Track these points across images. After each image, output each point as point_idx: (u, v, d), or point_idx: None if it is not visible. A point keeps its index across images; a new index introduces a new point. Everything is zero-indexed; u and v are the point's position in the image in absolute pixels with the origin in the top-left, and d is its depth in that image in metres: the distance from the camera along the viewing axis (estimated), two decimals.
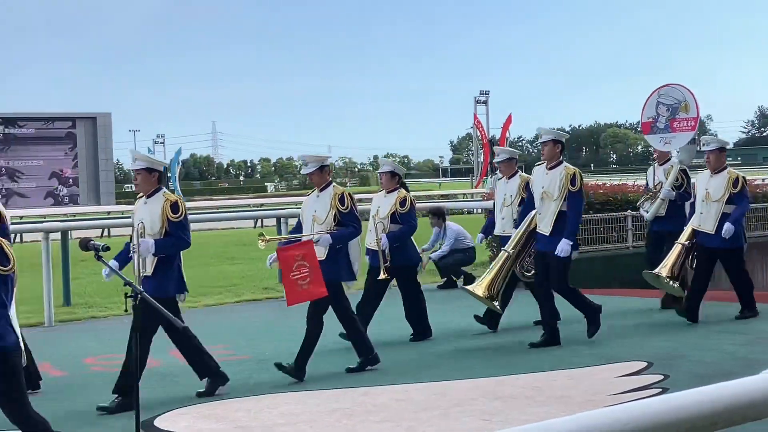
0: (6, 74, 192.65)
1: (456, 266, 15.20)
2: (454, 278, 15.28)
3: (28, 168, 63.84)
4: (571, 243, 9.75)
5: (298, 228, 9.32)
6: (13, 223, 11.64)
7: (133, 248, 8.02)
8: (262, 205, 47.29)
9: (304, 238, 8.89)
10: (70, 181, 64.53)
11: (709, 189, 10.90)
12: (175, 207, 8.05)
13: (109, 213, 43.49)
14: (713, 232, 10.78)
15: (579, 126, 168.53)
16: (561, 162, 10.00)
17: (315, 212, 8.93)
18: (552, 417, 2.89)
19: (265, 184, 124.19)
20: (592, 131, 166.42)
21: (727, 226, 10.59)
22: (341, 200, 8.84)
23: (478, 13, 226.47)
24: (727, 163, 11.37)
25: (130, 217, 9.52)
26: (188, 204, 9.82)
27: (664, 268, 11.27)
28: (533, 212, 10.28)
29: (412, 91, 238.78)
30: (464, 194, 49.20)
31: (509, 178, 11.24)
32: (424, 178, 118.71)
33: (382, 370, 9.13)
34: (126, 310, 6.28)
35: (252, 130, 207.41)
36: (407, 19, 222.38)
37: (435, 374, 8.98)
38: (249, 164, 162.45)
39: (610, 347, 9.93)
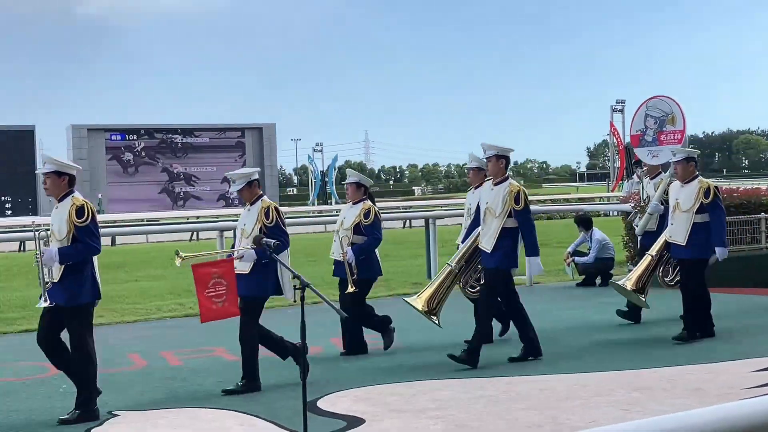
0: (183, 89, 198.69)
1: (597, 272, 15.08)
2: (593, 278, 15.15)
3: (202, 173, 65.95)
4: (538, 257, 9.03)
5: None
6: (190, 222, 12.11)
7: (36, 257, 7.22)
8: (410, 207, 47.60)
9: (221, 256, 8.42)
10: None
11: (679, 199, 9.82)
12: (80, 211, 7.20)
13: None
14: (684, 244, 9.74)
15: (712, 133, 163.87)
16: (506, 178, 9.13)
17: (244, 226, 8.33)
18: (688, 409, 2.83)
19: (413, 188, 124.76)
20: (725, 138, 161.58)
21: (721, 251, 9.67)
22: (266, 214, 8.16)
23: (616, 27, 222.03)
24: (697, 172, 9.96)
25: (291, 217, 9.59)
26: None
27: (629, 281, 10.39)
28: (479, 228, 9.36)
29: (551, 101, 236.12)
30: (600, 198, 48.41)
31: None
32: (562, 182, 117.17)
33: (524, 362, 9.11)
34: (294, 301, 6.33)
35: (401, 138, 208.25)
36: (551, 38, 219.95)
37: (575, 366, 8.86)
38: (398, 170, 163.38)
39: (746, 344, 9.58)
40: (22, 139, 64.84)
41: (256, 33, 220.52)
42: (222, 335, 9.74)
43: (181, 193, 65.28)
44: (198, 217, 36.50)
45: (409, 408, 7.48)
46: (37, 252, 7.18)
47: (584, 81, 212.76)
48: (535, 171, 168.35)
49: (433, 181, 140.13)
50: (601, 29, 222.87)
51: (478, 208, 9.51)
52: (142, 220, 37.98)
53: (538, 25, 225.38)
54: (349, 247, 9.56)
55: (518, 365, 8.99)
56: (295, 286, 6.00)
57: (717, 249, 9.70)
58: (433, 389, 8.06)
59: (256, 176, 8.53)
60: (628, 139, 55.79)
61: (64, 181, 7.39)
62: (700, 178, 9.90)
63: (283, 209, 8.64)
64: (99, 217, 8.00)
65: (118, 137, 65.97)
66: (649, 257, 10.43)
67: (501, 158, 9.11)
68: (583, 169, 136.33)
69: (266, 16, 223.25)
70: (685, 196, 9.78)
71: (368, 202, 9.79)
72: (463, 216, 11.19)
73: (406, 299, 9.86)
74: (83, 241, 7.19)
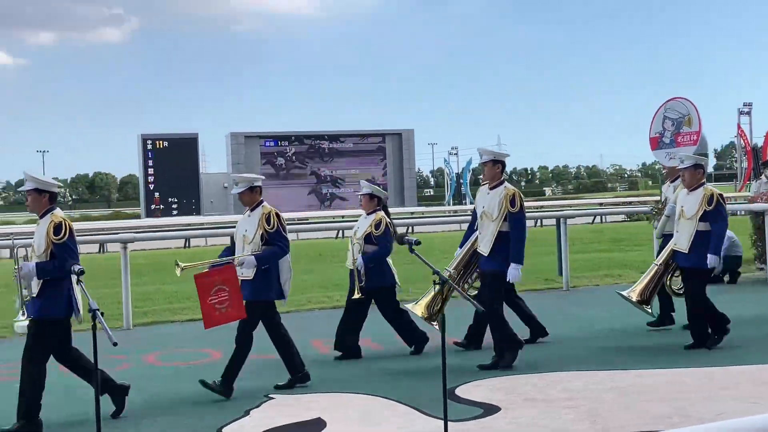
0: (329, 97, 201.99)
1: (725, 270, 14.57)
2: (720, 275, 14.65)
3: (347, 176, 66.86)
4: (520, 266, 8.54)
5: (233, 246, 8.41)
6: (334, 222, 12.29)
7: (14, 272, 7.01)
8: (541, 207, 47.10)
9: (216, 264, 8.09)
10: (381, 186, 67.03)
11: (684, 206, 9.26)
12: (57, 229, 6.93)
13: (412, 213, 44.94)
14: (686, 251, 9.18)
15: None
16: (502, 182, 8.69)
17: (246, 231, 8.07)
18: None
19: (543, 188, 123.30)
20: None
21: (711, 259, 9.00)
22: (267, 220, 7.94)
23: (741, 28, 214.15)
24: (704, 180, 9.36)
25: (428, 217, 9.58)
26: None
27: (633, 292, 9.75)
28: (477, 232, 9.04)
29: None
30: (728, 197, 46.72)
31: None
32: None
33: (652, 353, 8.93)
34: (440, 293, 6.28)
35: (531, 140, 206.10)
36: (678, 43, 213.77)
37: (701, 360, 8.63)
38: (529, 171, 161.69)
39: None
40: (187, 146, 66.80)
41: (393, 42, 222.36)
42: (370, 327, 9.83)
43: (328, 195, 66.41)
44: (343, 217, 37.25)
45: (542, 398, 7.44)
46: (16, 266, 7.02)
47: (710, 83, 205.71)
48: (663, 173, 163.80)
49: (563, 181, 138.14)
50: (726, 30, 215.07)
51: (474, 212, 9.17)
52: (294, 220, 38.89)
53: (666, 25, 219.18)
54: (360, 255, 9.34)
55: (647, 357, 8.84)
56: (434, 281, 5.96)
57: (709, 256, 9.00)
58: (564, 380, 7.99)
59: (259, 183, 8.22)
60: (755, 141, 54.05)
61: (44, 198, 7.11)
62: (705, 185, 9.27)
63: (420, 209, 8.67)
64: None
65: (272, 143, 67.48)
66: (655, 267, 9.80)
67: (497, 163, 8.69)
68: (710, 169, 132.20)
69: (401, 26, 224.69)
70: (690, 204, 9.19)
71: (380, 213, 9.53)
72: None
73: (406, 306, 9.47)
74: (60, 257, 6.89)
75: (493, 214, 8.53)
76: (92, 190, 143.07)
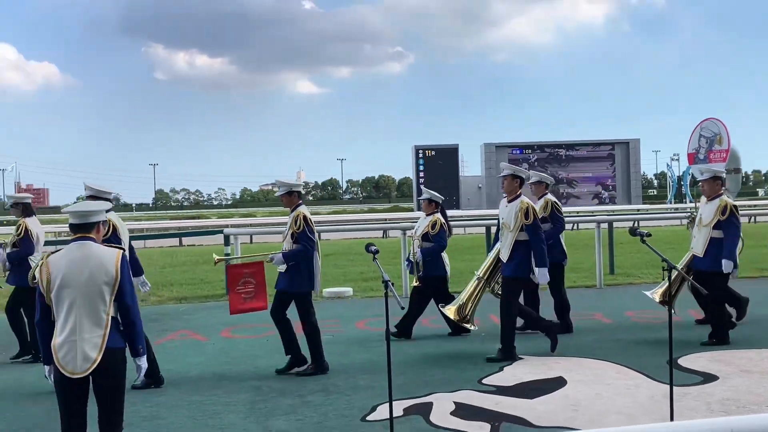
0: (564, 113, 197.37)
1: None
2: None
3: (581, 178, 65.35)
4: (546, 268, 7.67)
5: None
6: (569, 216, 12.08)
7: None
8: (754, 205, 43.45)
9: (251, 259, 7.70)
10: (610, 187, 64.99)
11: (703, 215, 8.36)
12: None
13: (638, 209, 43.15)
14: (701, 256, 8.25)
15: None
16: (519, 195, 7.92)
17: (285, 230, 7.57)
18: None
19: (756, 189, 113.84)
20: None
21: (725, 263, 8.04)
22: (296, 222, 7.34)
23: None
24: (723, 190, 8.37)
25: (652, 213, 9.13)
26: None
27: (656, 293, 8.61)
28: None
29: None
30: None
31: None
32: None
33: None
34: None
35: (751, 144, 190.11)
36: None
37: None
38: (743, 174, 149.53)
39: None
40: (449, 154, 68.29)
41: (620, 64, 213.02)
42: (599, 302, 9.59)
43: (564, 194, 65.09)
44: (578, 212, 36.55)
45: (756, 370, 6.96)
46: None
47: None
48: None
49: None
50: None
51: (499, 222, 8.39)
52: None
53: None
54: (419, 249, 8.99)
55: None
56: (663, 267, 5.69)
57: (723, 261, 8.07)
58: None
59: (298, 189, 7.60)
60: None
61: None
62: (723, 196, 8.33)
63: (644, 206, 8.28)
64: None
65: (517, 152, 67.37)
66: (676, 272, 8.56)
67: (516, 178, 7.98)
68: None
69: (627, 51, 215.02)
70: (707, 212, 8.32)
71: (437, 215, 9.11)
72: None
73: (441, 309, 8.70)
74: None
75: (511, 225, 7.82)
76: (377, 189, 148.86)
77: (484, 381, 6.92)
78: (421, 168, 67.77)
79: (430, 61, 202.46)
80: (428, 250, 9.03)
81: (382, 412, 5.88)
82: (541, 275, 7.74)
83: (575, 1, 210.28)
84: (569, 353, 7.97)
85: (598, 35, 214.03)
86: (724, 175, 8.66)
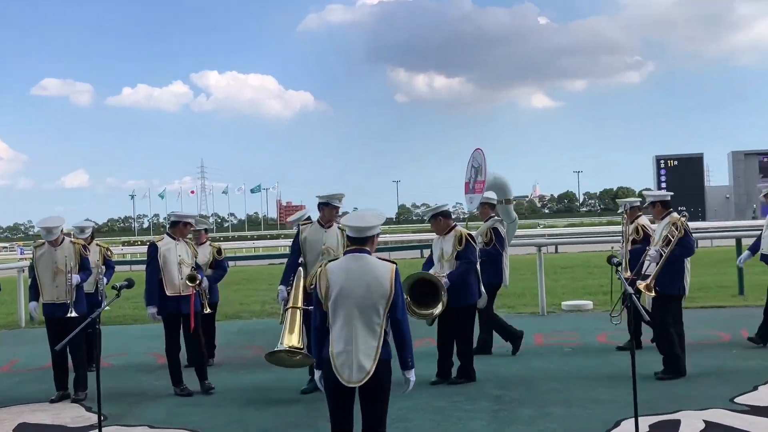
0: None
1: None
2: None
3: None
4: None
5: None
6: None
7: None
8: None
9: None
10: None
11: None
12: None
13: None
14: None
15: None
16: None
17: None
18: None
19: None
20: None
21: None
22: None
23: None
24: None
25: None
26: None
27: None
28: None
29: None
30: None
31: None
32: None
33: None
34: None
35: None
36: None
37: None
38: None
39: None
40: (693, 164, 65.34)
41: None
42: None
43: None
44: None
45: None
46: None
47: None
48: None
49: None
50: None
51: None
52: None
53: None
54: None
55: None
56: None
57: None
58: None
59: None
60: None
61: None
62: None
63: None
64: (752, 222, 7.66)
65: (766, 159, 62.68)
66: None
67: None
68: None
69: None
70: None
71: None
72: None
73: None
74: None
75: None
76: (616, 201, 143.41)
77: (737, 400, 6.39)
78: (663, 178, 64.72)
79: (670, 69, 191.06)
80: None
81: (626, 427, 5.64)
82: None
83: None
84: None
85: None
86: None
